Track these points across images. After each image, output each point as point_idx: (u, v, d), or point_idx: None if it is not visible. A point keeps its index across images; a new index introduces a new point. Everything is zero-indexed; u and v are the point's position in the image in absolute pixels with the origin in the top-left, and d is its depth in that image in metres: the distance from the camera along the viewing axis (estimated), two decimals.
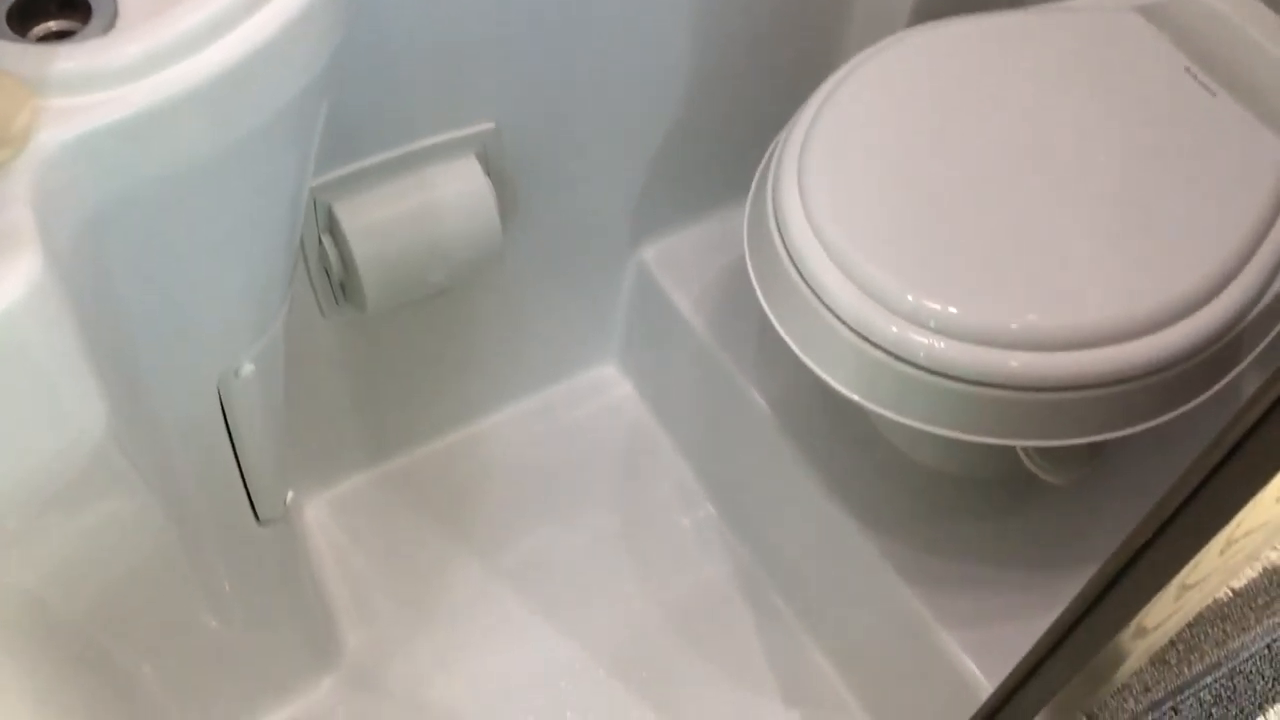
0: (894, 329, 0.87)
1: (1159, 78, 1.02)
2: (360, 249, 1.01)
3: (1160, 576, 0.54)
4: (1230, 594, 1.28)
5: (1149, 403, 0.91)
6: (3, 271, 0.47)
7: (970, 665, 1.03)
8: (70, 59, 0.53)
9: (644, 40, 1.10)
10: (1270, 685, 1.22)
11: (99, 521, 0.69)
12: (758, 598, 1.25)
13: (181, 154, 0.56)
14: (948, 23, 1.05)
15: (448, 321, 1.22)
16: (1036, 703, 0.73)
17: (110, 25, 0.56)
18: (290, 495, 0.97)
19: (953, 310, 0.87)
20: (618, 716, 1.17)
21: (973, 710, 0.84)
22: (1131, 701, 1.22)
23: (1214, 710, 1.21)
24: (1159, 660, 1.23)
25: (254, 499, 0.91)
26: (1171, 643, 1.20)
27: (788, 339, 0.95)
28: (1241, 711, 1.21)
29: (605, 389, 1.40)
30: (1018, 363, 0.86)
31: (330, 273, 1.05)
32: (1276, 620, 1.26)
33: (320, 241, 1.03)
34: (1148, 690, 1.22)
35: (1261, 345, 0.95)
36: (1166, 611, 0.60)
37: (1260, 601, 1.28)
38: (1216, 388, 0.94)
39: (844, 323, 0.89)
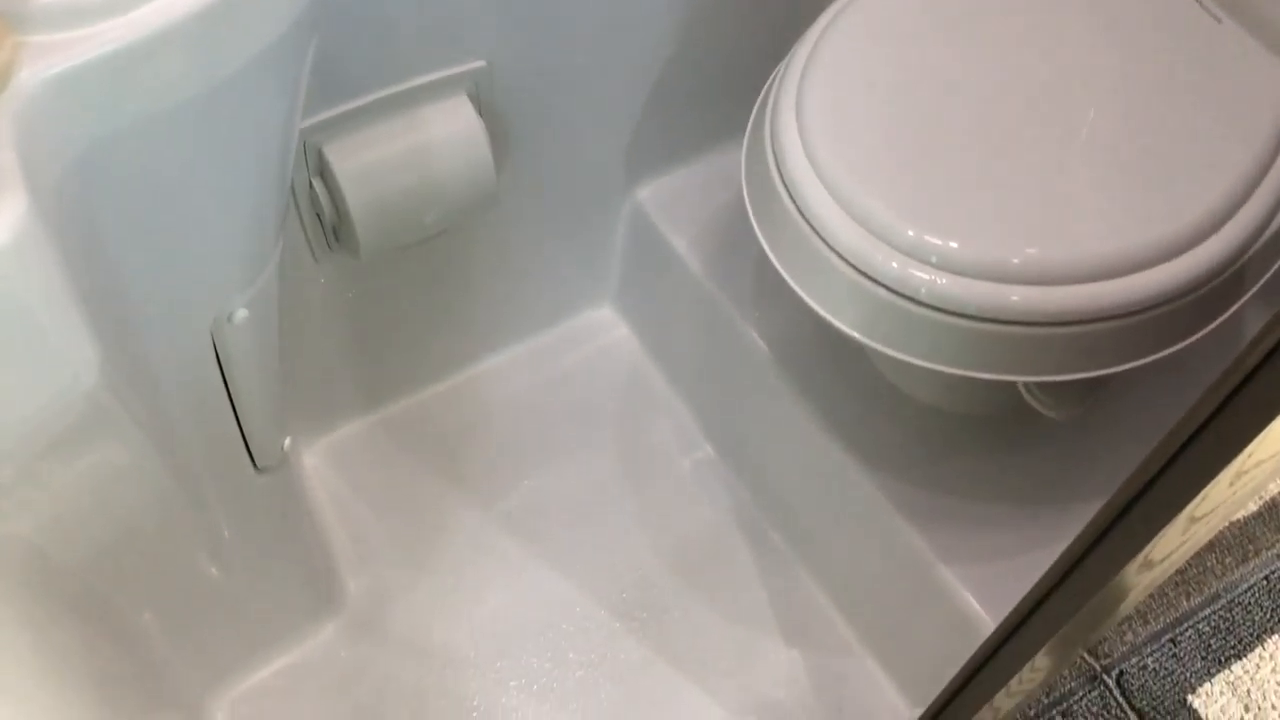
0: (894, 265, 0.86)
1: (1164, 4, 1.01)
2: (352, 192, 0.99)
3: (1170, 508, 0.53)
4: (1230, 527, 1.29)
5: (1151, 337, 0.90)
6: None
7: (971, 601, 1.03)
8: None
9: None
10: (1269, 616, 1.23)
11: (96, 468, 0.69)
12: (757, 537, 1.25)
13: (166, 91, 0.55)
14: None
15: (442, 265, 1.21)
16: (1040, 638, 0.73)
17: None
18: (288, 442, 0.97)
19: (953, 245, 0.86)
20: (619, 657, 1.18)
21: (974, 646, 0.84)
22: (1131, 634, 1.22)
23: (1213, 641, 1.22)
24: (1158, 593, 1.24)
25: (251, 446, 0.90)
26: (1170, 575, 1.20)
27: (786, 277, 0.94)
28: (1240, 642, 1.22)
29: (602, 331, 1.39)
30: (1019, 297, 0.85)
31: (322, 217, 1.04)
32: (1275, 552, 1.27)
33: (311, 185, 1.02)
34: (1147, 623, 1.23)
35: (1264, 278, 0.94)
36: (1174, 544, 0.59)
37: (1259, 534, 1.29)
38: (1219, 321, 0.93)
39: (844, 259, 0.88)
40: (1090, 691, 1.19)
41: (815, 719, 1.14)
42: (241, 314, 0.75)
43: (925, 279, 0.85)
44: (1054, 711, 1.17)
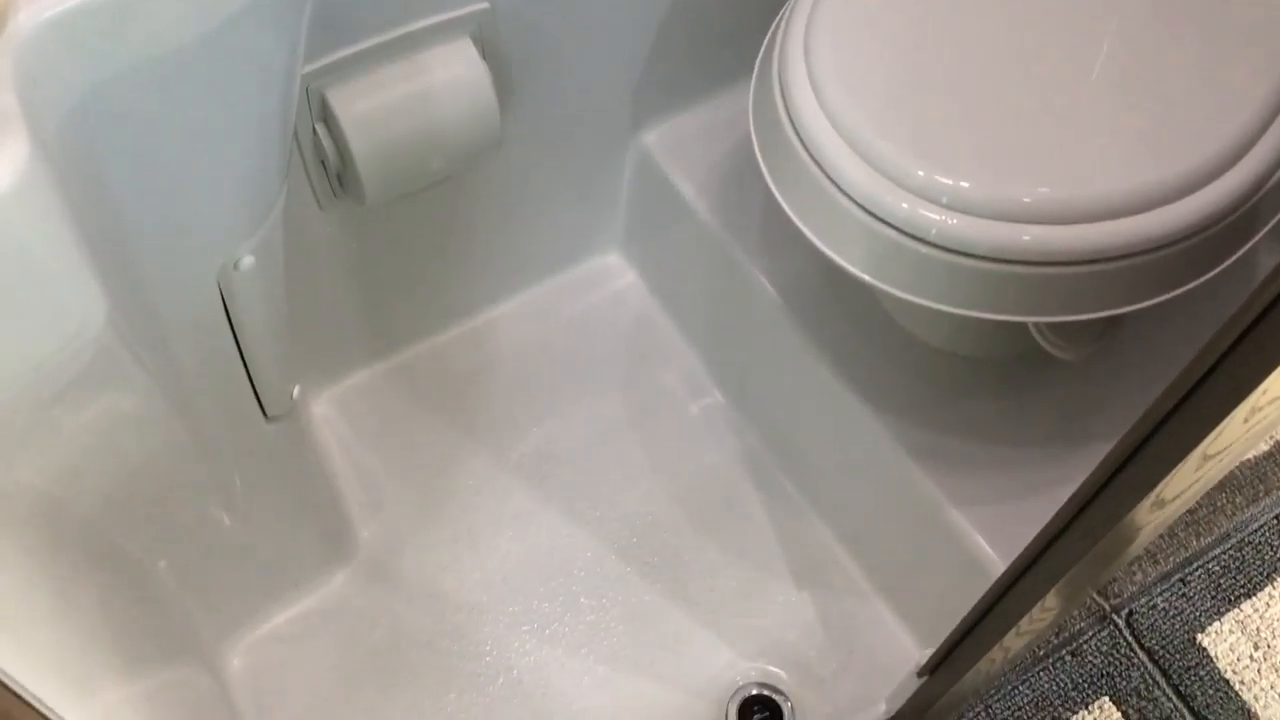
0: (905, 205, 0.85)
1: None
2: (356, 137, 0.99)
3: (1184, 445, 0.53)
4: (1241, 467, 1.28)
5: (1164, 275, 0.89)
6: None
7: (981, 543, 1.04)
8: None
9: None
10: (1279, 555, 1.23)
11: (106, 417, 0.69)
12: (767, 482, 1.25)
13: (165, 34, 0.54)
14: None
15: (448, 212, 1.20)
16: (1050, 578, 0.73)
17: None
18: (297, 390, 0.97)
19: (964, 185, 0.85)
20: (630, 601, 1.18)
21: (984, 588, 0.84)
22: (1140, 574, 1.23)
23: (1223, 580, 1.22)
24: (1168, 533, 1.24)
25: (260, 394, 0.90)
26: (1181, 515, 1.20)
27: (795, 219, 0.93)
28: (1250, 581, 1.22)
29: (609, 278, 1.38)
30: (1031, 237, 0.84)
31: (326, 164, 1.03)
32: None
33: (315, 131, 1.01)
34: (1157, 563, 1.23)
35: (1279, 216, 0.93)
36: (1186, 482, 0.59)
37: (1270, 473, 1.28)
38: (1232, 259, 0.92)
39: (853, 201, 0.87)
40: (1100, 631, 1.19)
41: (825, 660, 1.15)
42: (248, 261, 0.75)
43: (936, 219, 0.85)
44: (1063, 651, 1.18)
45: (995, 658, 0.87)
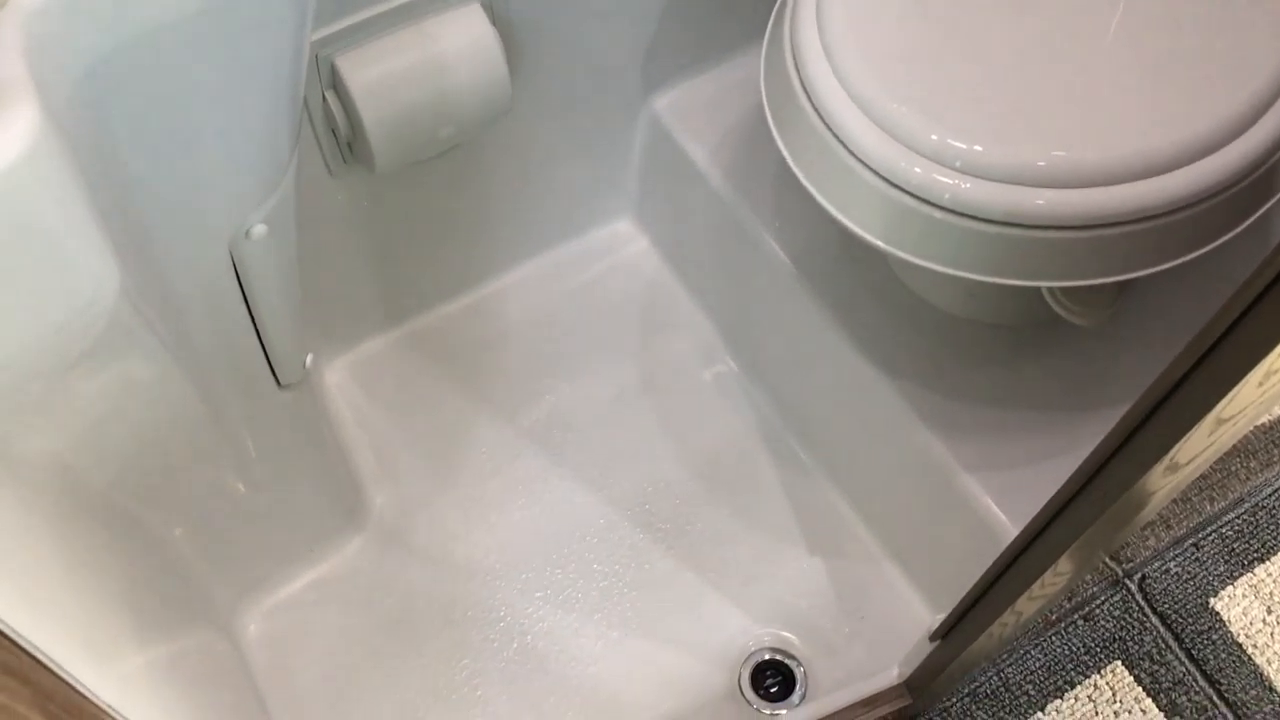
0: (918, 170, 0.85)
1: None
2: (366, 105, 0.98)
3: (1198, 409, 0.53)
4: (1255, 431, 1.28)
5: (1178, 239, 0.89)
6: (0, 127, 0.45)
7: (993, 508, 1.04)
8: None
9: None
10: None
11: (121, 385, 0.69)
12: (780, 448, 1.25)
13: (174, 0, 0.54)
14: None
15: (459, 179, 1.20)
16: (1063, 542, 0.73)
17: None
18: (310, 359, 0.97)
19: (978, 149, 0.84)
20: (643, 568, 1.19)
21: (996, 553, 0.84)
22: (1153, 539, 1.23)
23: (1236, 545, 1.22)
24: (1181, 498, 1.24)
25: (273, 363, 0.90)
26: (1194, 480, 1.20)
27: (807, 185, 0.93)
28: (1263, 545, 1.22)
29: (621, 244, 1.38)
30: (1045, 201, 0.84)
31: (337, 131, 1.03)
32: None
33: (324, 99, 1.01)
34: (1170, 528, 1.23)
35: None
36: (1200, 447, 0.59)
37: None
38: (1247, 223, 0.91)
39: (866, 165, 0.87)
40: (1112, 596, 1.19)
41: (838, 626, 1.15)
42: (259, 229, 0.75)
43: (949, 184, 0.84)
44: (1076, 615, 1.18)
45: (1007, 622, 0.87)
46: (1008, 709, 1.14)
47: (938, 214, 0.86)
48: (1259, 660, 1.16)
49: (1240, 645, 1.16)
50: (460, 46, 1.01)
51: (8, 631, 0.48)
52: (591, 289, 1.35)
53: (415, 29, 0.99)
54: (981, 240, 0.86)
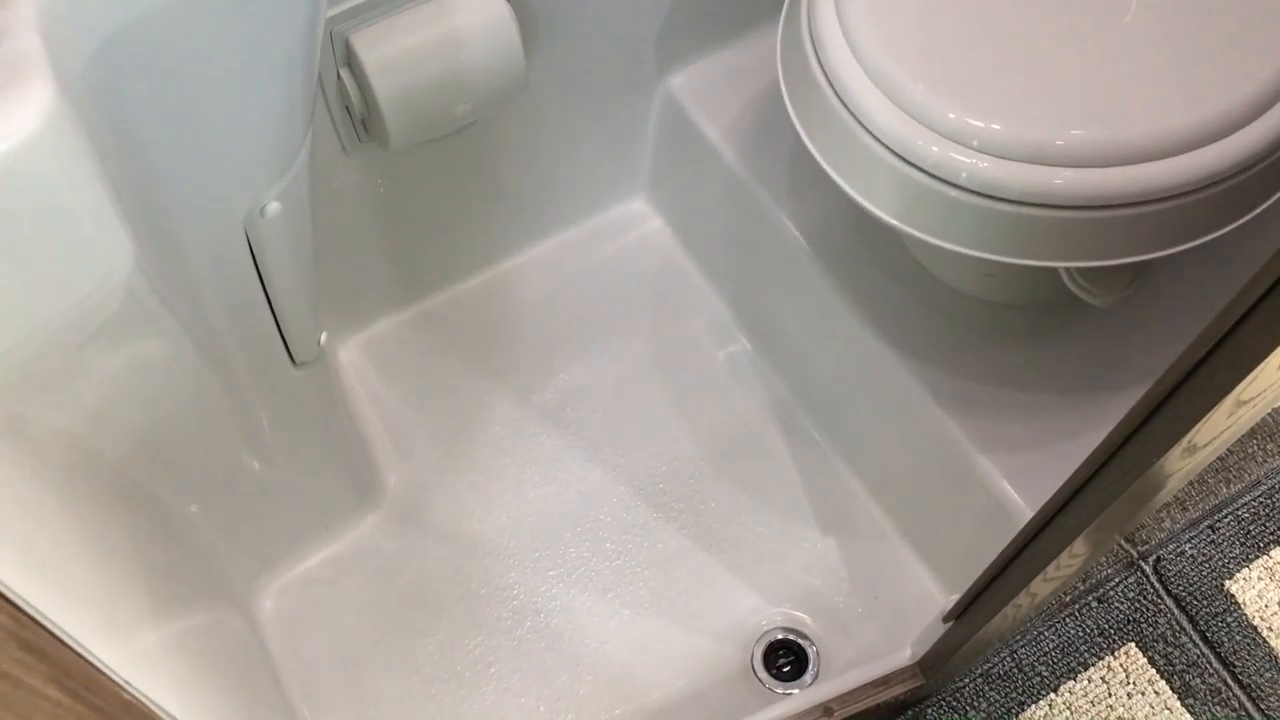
0: (935, 149, 0.84)
1: None
2: (380, 82, 0.98)
3: (1217, 390, 0.52)
4: (1273, 414, 1.27)
5: (1198, 220, 0.88)
6: (16, 102, 0.45)
7: (1008, 489, 1.03)
8: None
9: None
10: None
11: (136, 362, 0.69)
12: (793, 428, 1.25)
13: None
14: None
15: (473, 158, 1.19)
16: (1079, 523, 0.73)
17: None
18: (324, 337, 0.97)
19: (996, 128, 0.84)
20: (656, 546, 1.19)
21: (1010, 534, 0.84)
22: (1169, 521, 1.22)
23: (1252, 528, 1.21)
24: (1197, 480, 1.23)
25: (288, 341, 0.90)
26: (1211, 463, 1.19)
27: (823, 163, 0.92)
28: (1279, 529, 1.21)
29: (635, 223, 1.38)
30: (1063, 180, 0.83)
31: (351, 109, 1.03)
32: None
33: (339, 76, 1.00)
34: (1185, 510, 1.23)
35: None
36: (1219, 429, 0.59)
37: None
38: (1267, 204, 0.91)
39: (883, 143, 0.86)
40: (1127, 578, 1.19)
41: (851, 606, 1.15)
42: (274, 207, 0.74)
43: (966, 163, 0.84)
44: (1090, 597, 1.18)
45: (1022, 603, 0.87)
46: (1021, 690, 1.14)
47: (954, 193, 0.85)
48: (1274, 643, 1.15)
49: (1255, 628, 1.16)
50: (475, 23, 1.00)
51: (26, 608, 0.48)
52: (605, 268, 1.35)
53: (430, 5, 0.99)
54: (999, 220, 0.86)
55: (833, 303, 1.14)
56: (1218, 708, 1.13)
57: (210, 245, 0.73)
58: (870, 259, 1.15)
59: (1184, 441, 0.59)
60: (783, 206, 1.18)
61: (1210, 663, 1.15)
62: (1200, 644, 1.16)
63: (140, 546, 0.78)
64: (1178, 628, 1.16)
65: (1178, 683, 1.14)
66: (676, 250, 1.36)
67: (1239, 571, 1.19)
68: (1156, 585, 1.18)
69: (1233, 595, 1.18)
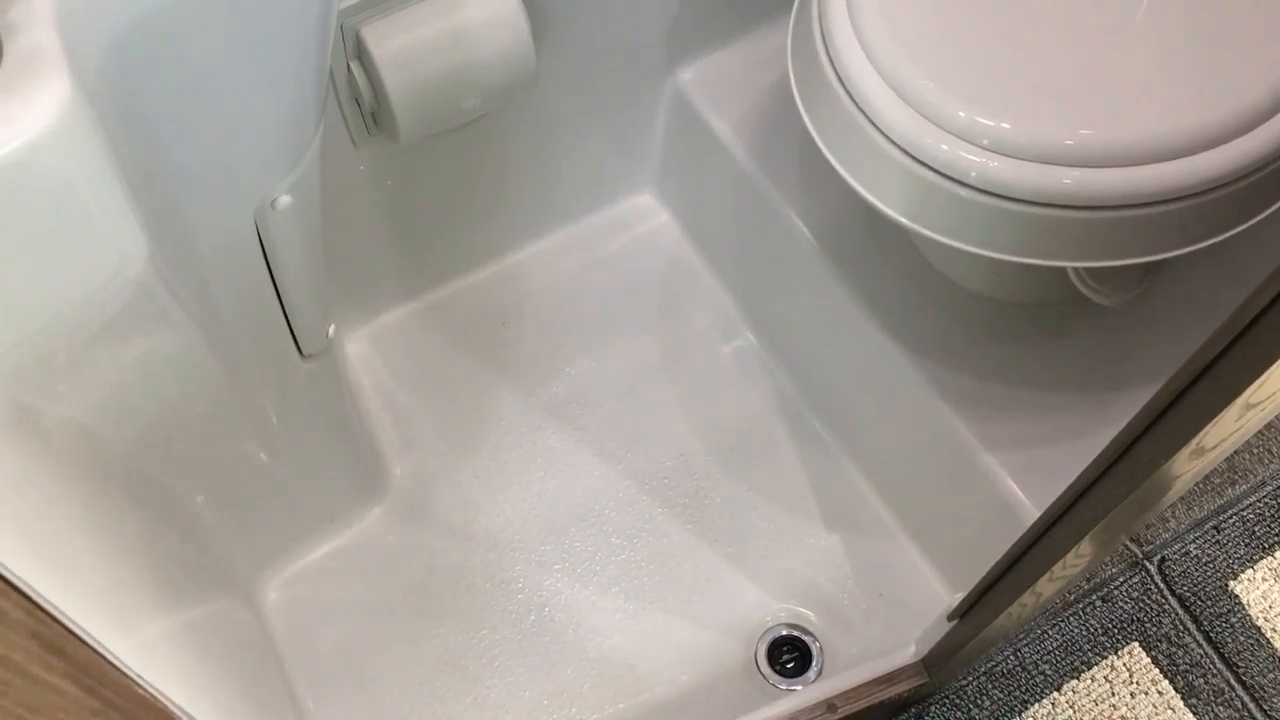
0: (944, 147, 0.84)
1: None
2: (390, 75, 0.98)
3: (1227, 393, 0.52)
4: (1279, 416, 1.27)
5: (1208, 221, 0.88)
6: (32, 96, 0.46)
7: (1014, 488, 1.03)
8: None
9: None
10: None
11: (145, 354, 0.69)
12: (799, 424, 1.25)
13: None
14: None
15: (482, 151, 1.19)
16: (1086, 524, 0.73)
17: None
18: (332, 329, 0.97)
19: (1005, 126, 0.84)
20: (661, 541, 1.19)
21: (1016, 533, 0.84)
22: (1174, 521, 1.22)
23: (1257, 528, 1.21)
24: (1203, 480, 1.23)
25: (296, 333, 0.91)
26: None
27: (833, 160, 0.92)
28: None
29: (643, 218, 1.38)
30: (1073, 180, 0.83)
31: (361, 102, 1.03)
32: None
33: (349, 69, 1.00)
34: (1190, 510, 1.23)
35: None
36: (1227, 431, 0.59)
37: None
38: (1278, 205, 0.90)
39: (893, 142, 0.86)
40: (1131, 577, 1.19)
41: (855, 603, 1.15)
42: (284, 200, 0.74)
43: (976, 161, 0.84)
44: (1094, 597, 1.18)
45: (1026, 602, 0.87)
46: (1024, 689, 1.14)
47: (964, 192, 0.85)
48: (1278, 644, 1.15)
49: (1259, 628, 1.16)
50: (485, 17, 1.00)
51: (43, 603, 0.48)
52: (612, 262, 1.35)
53: None
54: (1008, 219, 0.86)
55: (840, 299, 1.14)
56: (1221, 708, 1.13)
57: (221, 238, 0.73)
58: (878, 256, 1.15)
59: (1192, 444, 0.59)
60: (791, 203, 1.18)
61: (1214, 663, 1.15)
62: (1204, 644, 1.16)
63: (147, 538, 0.79)
64: (1181, 628, 1.17)
65: (1181, 683, 1.14)
66: (684, 245, 1.36)
67: (1243, 572, 1.19)
68: (1161, 585, 1.19)
69: (1237, 596, 1.18)
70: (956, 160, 0.84)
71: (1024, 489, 1.03)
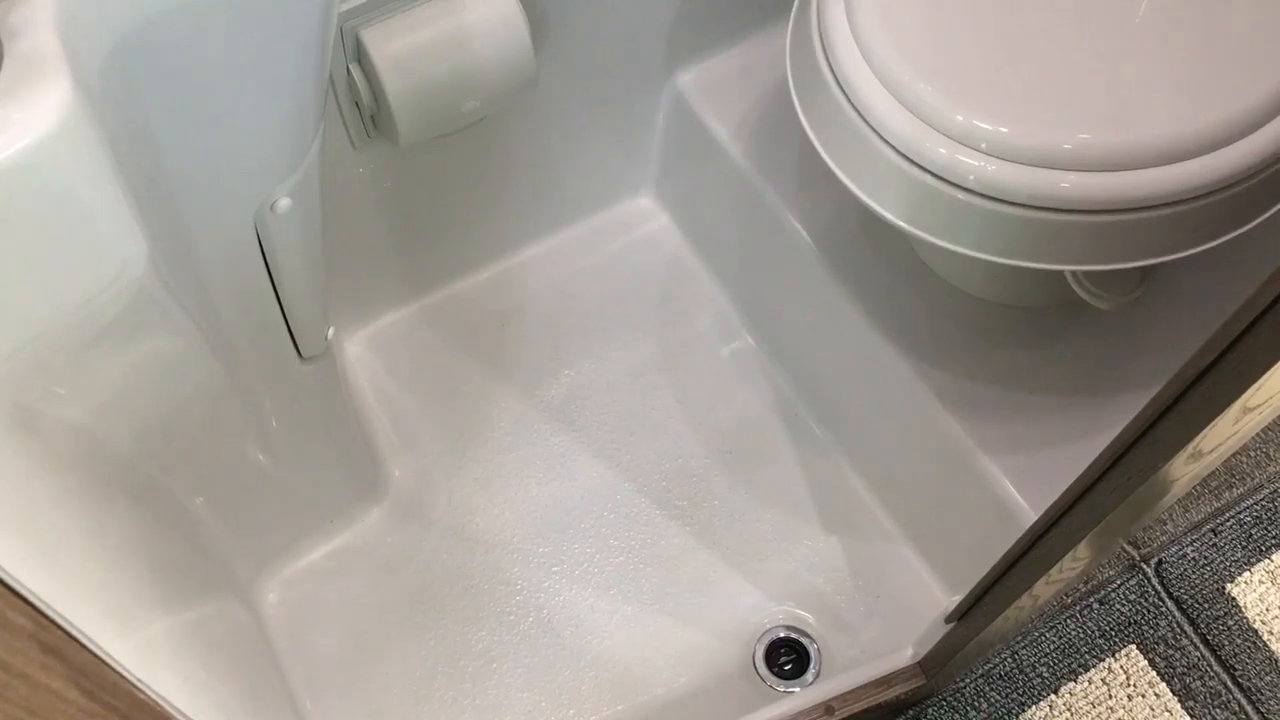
0: (943, 151, 0.84)
1: None
2: (390, 78, 0.98)
3: (1225, 397, 0.53)
4: (1278, 419, 1.27)
5: (1206, 225, 0.88)
6: (34, 99, 0.46)
7: (1012, 491, 1.04)
8: None
9: None
10: None
11: (145, 357, 0.69)
12: (797, 426, 1.25)
13: None
14: None
15: (481, 153, 1.20)
16: (1083, 527, 0.73)
17: None
18: (331, 331, 0.97)
19: (1004, 130, 0.84)
20: (659, 543, 1.19)
21: (1013, 536, 0.84)
22: (1171, 524, 1.22)
23: (1254, 531, 1.22)
24: (1201, 483, 1.24)
25: (296, 335, 0.91)
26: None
27: (831, 164, 0.92)
28: None
29: (642, 220, 1.38)
30: (1070, 184, 0.83)
31: (360, 105, 1.03)
32: None
33: (349, 72, 1.01)
34: (1188, 513, 1.23)
35: None
36: (1225, 434, 0.59)
37: None
38: (1275, 209, 0.91)
39: (891, 145, 0.86)
40: (1128, 580, 1.19)
41: (853, 605, 1.16)
42: (284, 203, 0.75)
43: (974, 165, 0.84)
44: (1091, 599, 1.18)
45: (1024, 605, 0.87)
46: (1021, 691, 1.15)
47: (961, 195, 0.85)
48: (1275, 646, 1.15)
49: (1256, 631, 1.16)
50: (485, 20, 1.01)
51: (45, 609, 0.48)
52: (612, 264, 1.35)
53: (441, 2, 0.99)
54: (1005, 223, 0.86)
55: (838, 302, 1.15)
56: (1218, 710, 1.13)
57: (221, 241, 0.73)
58: (876, 258, 1.15)
59: (1190, 447, 0.59)
60: (790, 205, 1.18)
61: (1211, 666, 1.15)
62: (1201, 647, 1.16)
63: (147, 539, 0.79)
64: (1179, 630, 1.17)
65: (1178, 685, 1.14)
66: (683, 247, 1.36)
67: (1240, 575, 1.19)
68: (1158, 588, 1.19)
69: (1234, 598, 1.18)
70: (954, 164, 0.84)
71: (1021, 492, 1.03)
